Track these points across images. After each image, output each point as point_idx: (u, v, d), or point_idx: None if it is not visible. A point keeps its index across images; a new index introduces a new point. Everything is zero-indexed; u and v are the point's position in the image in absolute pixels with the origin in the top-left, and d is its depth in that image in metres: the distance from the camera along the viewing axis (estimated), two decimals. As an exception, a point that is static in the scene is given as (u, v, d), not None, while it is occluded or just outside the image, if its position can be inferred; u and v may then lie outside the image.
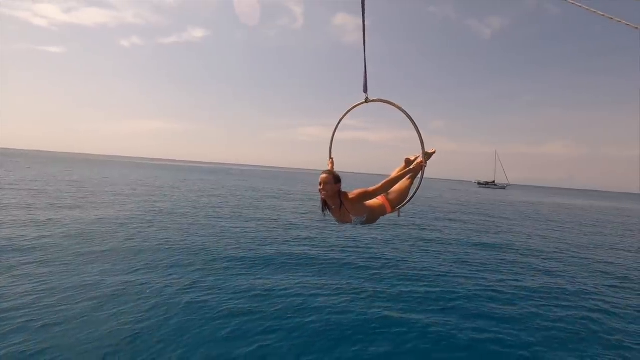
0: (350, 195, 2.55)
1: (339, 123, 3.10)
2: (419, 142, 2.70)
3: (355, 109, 2.91)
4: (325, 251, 9.90)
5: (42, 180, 25.61)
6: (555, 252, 12.35)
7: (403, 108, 2.61)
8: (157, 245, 9.41)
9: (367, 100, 2.69)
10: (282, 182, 53.38)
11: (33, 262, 7.33)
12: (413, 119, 2.61)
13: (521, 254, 11.48)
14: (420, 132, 2.65)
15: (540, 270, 9.56)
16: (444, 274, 8.50)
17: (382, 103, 2.65)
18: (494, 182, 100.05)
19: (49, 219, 11.64)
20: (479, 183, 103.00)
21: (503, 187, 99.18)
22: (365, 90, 2.66)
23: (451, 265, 9.35)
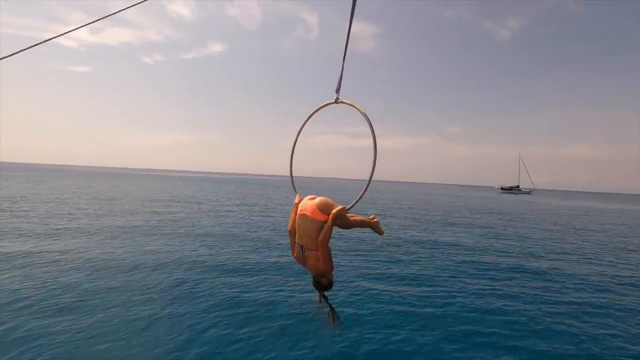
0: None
1: (306, 121, 3.04)
2: (373, 150, 2.59)
3: (324, 108, 2.91)
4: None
5: (96, 193, 26.26)
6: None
7: (367, 115, 2.62)
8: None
9: (337, 101, 2.72)
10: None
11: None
12: (373, 128, 2.61)
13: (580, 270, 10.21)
14: (377, 141, 2.60)
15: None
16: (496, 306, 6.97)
17: (350, 107, 2.68)
18: (518, 186, 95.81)
19: (94, 227, 11.54)
20: (502, 188, 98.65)
21: (528, 192, 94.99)
22: (338, 91, 2.69)
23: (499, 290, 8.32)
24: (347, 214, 2.61)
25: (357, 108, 2.65)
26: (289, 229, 2.71)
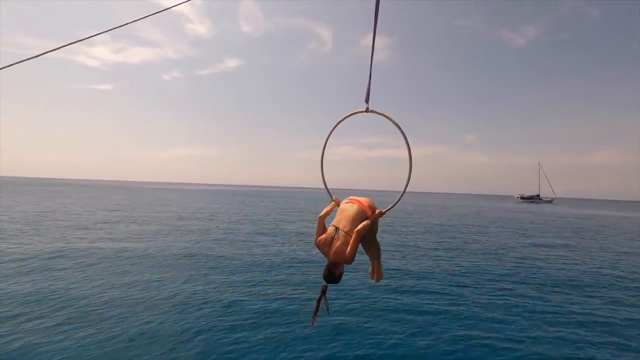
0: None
1: (333, 129, 3.02)
2: (408, 161, 2.74)
3: (352, 117, 2.93)
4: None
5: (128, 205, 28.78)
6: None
7: (399, 125, 2.71)
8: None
9: (367, 110, 2.76)
10: (306, 201, 54.53)
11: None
12: (407, 139, 2.72)
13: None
14: (411, 152, 2.72)
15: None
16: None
17: (381, 116, 2.74)
18: (538, 195, 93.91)
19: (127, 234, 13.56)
20: (522, 197, 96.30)
21: (550, 201, 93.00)
22: (367, 100, 2.72)
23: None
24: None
25: (389, 118, 2.74)
26: (320, 215, 2.77)
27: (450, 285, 9.06)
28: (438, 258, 12.52)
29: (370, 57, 2.57)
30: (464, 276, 10.01)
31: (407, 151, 2.71)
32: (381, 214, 2.76)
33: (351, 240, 2.51)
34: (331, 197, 2.98)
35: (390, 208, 2.87)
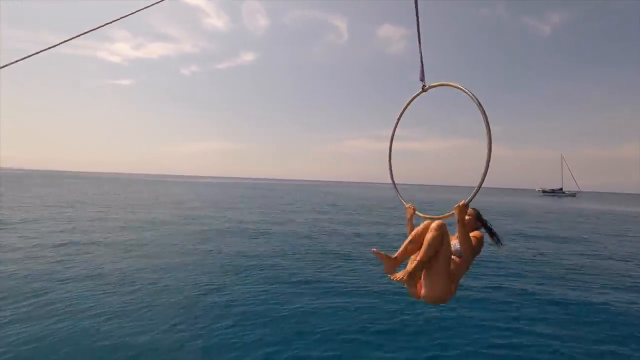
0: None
1: (398, 121, 2.78)
2: (486, 131, 2.20)
3: (413, 101, 2.68)
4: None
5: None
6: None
7: (466, 89, 2.29)
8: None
9: (424, 89, 2.56)
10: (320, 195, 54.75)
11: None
12: (479, 101, 2.19)
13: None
14: (487, 117, 2.20)
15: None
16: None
17: (443, 87, 2.46)
18: (561, 189, 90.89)
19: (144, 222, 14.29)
20: (543, 191, 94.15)
21: (573, 195, 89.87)
22: (422, 79, 2.56)
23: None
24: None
25: (455, 86, 2.38)
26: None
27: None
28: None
29: (417, 37, 2.44)
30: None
31: (486, 133, 2.19)
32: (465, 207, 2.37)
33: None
34: (405, 203, 2.71)
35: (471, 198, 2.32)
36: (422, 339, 5.47)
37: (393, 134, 2.82)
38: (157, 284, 7.35)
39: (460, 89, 2.31)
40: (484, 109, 2.18)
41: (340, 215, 22.80)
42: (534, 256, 11.61)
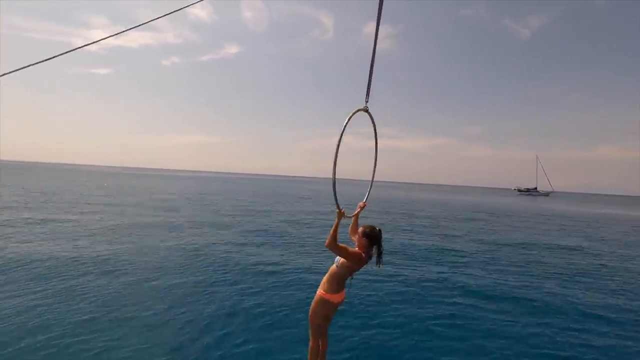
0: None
1: (342, 132, 2.75)
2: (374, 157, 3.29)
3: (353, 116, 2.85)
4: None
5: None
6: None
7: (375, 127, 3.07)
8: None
9: (365, 108, 2.75)
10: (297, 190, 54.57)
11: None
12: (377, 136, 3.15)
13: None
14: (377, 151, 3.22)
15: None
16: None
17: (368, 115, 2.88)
18: (535, 188, 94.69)
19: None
20: (519, 190, 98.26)
21: (546, 194, 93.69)
22: (367, 100, 2.75)
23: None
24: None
25: (373, 123, 3.03)
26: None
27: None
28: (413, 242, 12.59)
29: (371, 62, 2.62)
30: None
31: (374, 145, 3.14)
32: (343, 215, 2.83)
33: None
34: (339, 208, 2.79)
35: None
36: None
37: (339, 144, 2.78)
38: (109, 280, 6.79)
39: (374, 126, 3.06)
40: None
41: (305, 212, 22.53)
42: (484, 252, 11.67)
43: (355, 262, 2.81)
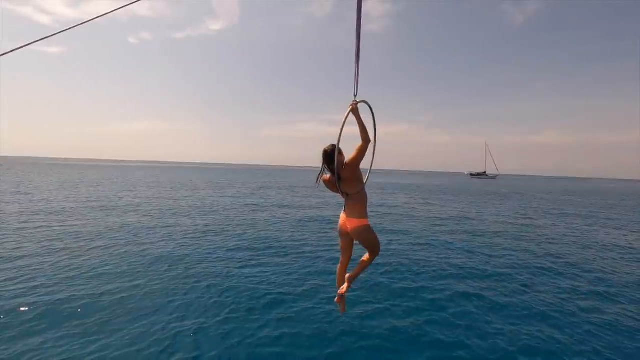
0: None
1: (341, 132, 2.78)
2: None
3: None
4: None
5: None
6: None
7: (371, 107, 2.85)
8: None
9: (356, 103, 2.72)
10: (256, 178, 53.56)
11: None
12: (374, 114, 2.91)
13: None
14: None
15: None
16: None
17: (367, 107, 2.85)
18: (485, 172, 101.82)
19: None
20: (471, 174, 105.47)
21: (493, 177, 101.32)
22: (355, 94, 2.67)
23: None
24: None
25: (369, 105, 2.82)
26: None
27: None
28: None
29: (356, 54, 2.59)
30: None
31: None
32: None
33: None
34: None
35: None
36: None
37: (339, 139, 2.83)
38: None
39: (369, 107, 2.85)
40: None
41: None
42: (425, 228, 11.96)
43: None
